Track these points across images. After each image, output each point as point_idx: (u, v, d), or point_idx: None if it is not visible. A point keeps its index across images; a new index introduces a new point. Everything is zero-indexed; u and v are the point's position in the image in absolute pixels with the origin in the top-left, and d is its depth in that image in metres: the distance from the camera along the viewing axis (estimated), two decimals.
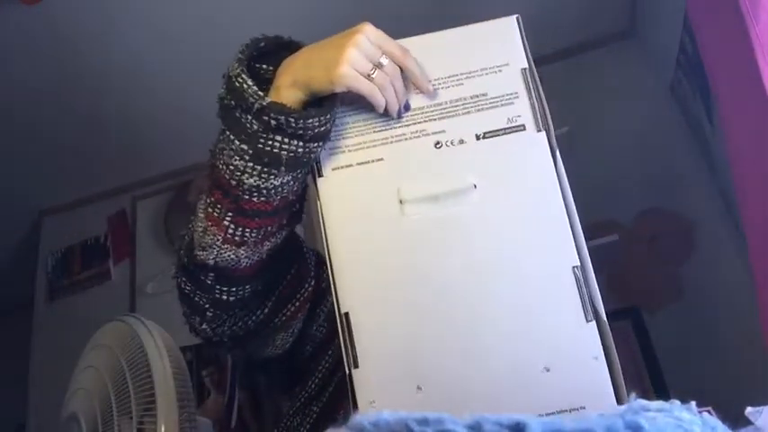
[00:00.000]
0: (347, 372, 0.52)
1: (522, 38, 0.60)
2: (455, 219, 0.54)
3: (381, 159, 0.57)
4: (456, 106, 0.57)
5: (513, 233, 0.53)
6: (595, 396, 0.49)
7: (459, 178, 0.54)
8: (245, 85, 0.57)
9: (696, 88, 1.72)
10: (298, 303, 0.71)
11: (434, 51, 0.60)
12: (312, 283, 0.73)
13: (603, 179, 1.97)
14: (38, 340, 2.25)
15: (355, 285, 0.54)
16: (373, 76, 0.57)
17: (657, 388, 1.78)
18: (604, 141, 2.00)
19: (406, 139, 0.57)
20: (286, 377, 0.79)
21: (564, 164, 2.00)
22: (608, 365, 0.50)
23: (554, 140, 0.56)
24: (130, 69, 1.85)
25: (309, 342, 0.76)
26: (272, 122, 0.55)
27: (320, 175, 0.58)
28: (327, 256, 0.55)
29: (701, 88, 1.65)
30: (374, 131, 0.58)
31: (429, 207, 0.54)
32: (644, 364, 1.84)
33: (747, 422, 0.49)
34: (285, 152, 0.56)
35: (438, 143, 0.56)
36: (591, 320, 0.51)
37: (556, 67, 2.15)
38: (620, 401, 0.49)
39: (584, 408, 0.48)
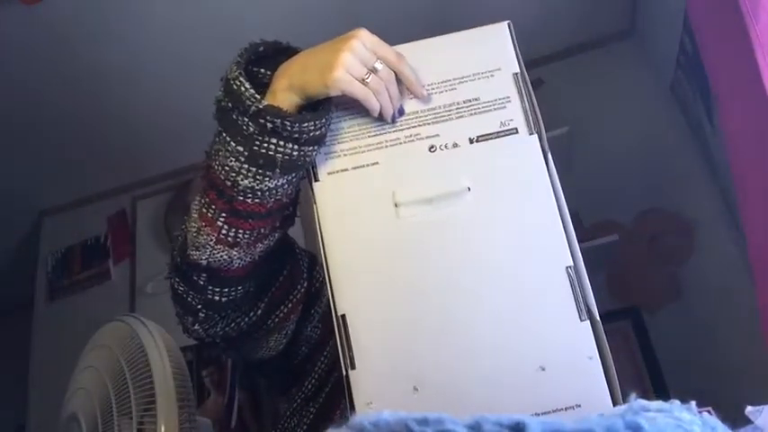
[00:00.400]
0: (344, 373, 0.52)
1: (514, 43, 0.61)
2: (450, 221, 0.54)
3: (376, 163, 0.57)
4: (449, 111, 0.58)
5: (507, 234, 0.54)
6: (590, 395, 0.49)
7: (453, 181, 0.55)
8: (242, 88, 0.57)
9: (696, 88, 1.72)
10: (290, 305, 0.72)
11: (427, 57, 0.60)
12: (305, 285, 0.73)
13: (603, 179, 1.97)
14: (38, 340, 2.25)
15: (351, 288, 0.54)
16: (368, 80, 0.57)
17: (657, 388, 1.78)
18: (604, 141, 2.00)
19: (400, 143, 0.58)
20: (282, 378, 0.80)
21: (564, 164, 2.00)
22: (602, 365, 0.50)
23: (546, 143, 0.57)
24: (130, 69, 1.85)
25: (305, 343, 0.76)
26: (268, 125, 0.56)
27: (316, 180, 0.58)
28: (324, 259, 0.56)
29: (701, 88, 1.65)
30: (369, 136, 0.58)
31: (424, 210, 0.55)
32: (644, 364, 1.84)
33: (747, 422, 0.49)
34: (280, 155, 0.56)
35: (432, 147, 0.57)
36: (585, 320, 0.51)
37: (556, 67, 2.15)
38: (614, 400, 0.49)
39: (579, 406, 0.49)
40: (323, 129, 0.58)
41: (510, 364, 0.51)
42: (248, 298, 0.68)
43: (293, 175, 0.59)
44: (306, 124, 0.56)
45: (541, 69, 2.15)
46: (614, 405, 0.49)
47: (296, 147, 0.56)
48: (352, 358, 0.52)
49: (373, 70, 0.58)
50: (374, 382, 0.51)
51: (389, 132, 0.58)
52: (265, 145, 0.56)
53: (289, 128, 0.56)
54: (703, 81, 1.58)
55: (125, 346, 0.78)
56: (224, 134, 0.59)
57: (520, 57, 0.60)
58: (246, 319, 0.69)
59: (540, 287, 0.52)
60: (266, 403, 1.87)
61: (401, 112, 0.59)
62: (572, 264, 0.53)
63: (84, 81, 1.89)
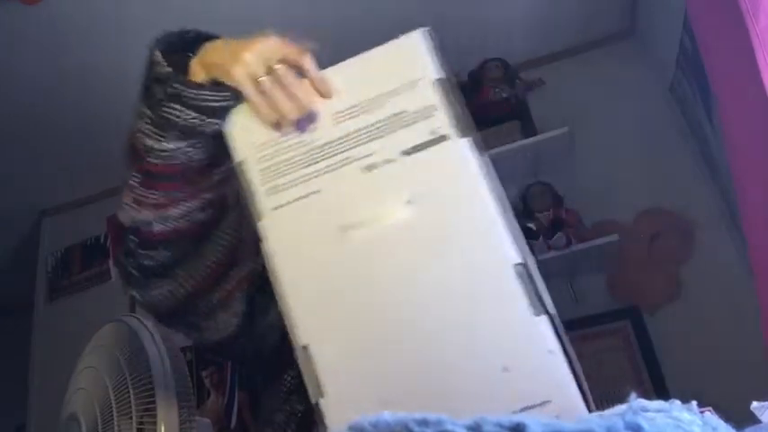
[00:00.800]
0: (314, 402, 0.53)
1: (433, 49, 0.60)
2: (395, 238, 0.55)
3: (317, 192, 0.58)
4: (378, 128, 0.58)
5: (452, 242, 0.54)
6: (558, 389, 0.49)
7: (392, 198, 0.55)
8: (155, 59, 0.64)
9: (696, 88, 1.72)
10: (234, 282, 0.73)
11: (349, 79, 0.60)
12: (249, 264, 0.74)
13: (603, 179, 1.98)
14: (38, 340, 2.25)
15: (310, 317, 0.55)
16: (262, 80, 0.59)
17: (657, 388, 1.78)
18: (604, 141, 2.00)
19: (336, 167, 0.58)
20: (262, 370, 0.79)
21: (564, 164, 2.01)
22: (565, 357, 0.50)
23: (480, 142, 0.56)
24: (130, 69, 1.84)
25: (270, 332, 0.76)
26: (171, 91, 0.61)
27: (261, 218, 0.58)
28: (280, 294, 0.56)
29: (701, 88, 1.66)
30: (305, 166, 0.58)
31: (368, 231, 0.55)
32: (644, 364, 1.84)
33: (748, 422, 0.49)
34: (179, 119, 0.61)
35: (367, 166, 0.57)
36: (540, 315, 0.51)
37: (556, 67, 2.16)
38: (582, 391, 0.49)
39: (549, 402, 0.49)
40: (224, 102, 0.61)
41: (473, 370, 0.51)
42: (180, 267, 0.70)
43: (195, 141, 0.63)
44: (205, 92, 0.60)
45: (541, 69, 2.15)
46: (582, 396, 0.49)
47: (194, 114, 0.61)
48: (320, 386, 0.53)
49: (270, 71, 0.59)
50: (345, 406, 0.52)
51: (324, 159, 0.58)
52: (167, 110, 0.61)
53: (188, 94, 0.60)
54: (703, 81, 1.58)
55: (125, 347, 0.79)
56: (141, 101, 0.65)
57: (442, 61, 0.59)
58: (182, 291, 0.70)
59: (490, 289, 0.52)
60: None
61: (311, 119, 0.59)
62: (520, 260, 0.52)
63: (84, 81, 1.89)
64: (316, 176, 0.58)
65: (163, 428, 0.70)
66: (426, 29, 0.60)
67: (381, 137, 0.57)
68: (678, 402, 0.37)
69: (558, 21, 2.03)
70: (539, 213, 1.93)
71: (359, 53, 0.60)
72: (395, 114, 0.58)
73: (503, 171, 2.18)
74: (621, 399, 0.38)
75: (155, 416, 0.71)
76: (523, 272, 0.52)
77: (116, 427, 0.73)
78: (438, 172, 0.56)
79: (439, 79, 0.58)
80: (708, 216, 1.86)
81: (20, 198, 2.33)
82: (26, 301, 2.36)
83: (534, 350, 0.50)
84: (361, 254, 0.55)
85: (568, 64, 2.16)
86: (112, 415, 0.74)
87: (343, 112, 0.59)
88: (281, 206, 0.58)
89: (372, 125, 0.58)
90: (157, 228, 0.67)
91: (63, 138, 2.09)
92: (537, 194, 1.97)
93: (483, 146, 0.57)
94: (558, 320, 0.51)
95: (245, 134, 0.61)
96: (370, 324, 0.54)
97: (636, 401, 0.36)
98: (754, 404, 0.48)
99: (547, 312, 0.51)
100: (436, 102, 0.57)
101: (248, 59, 0.59)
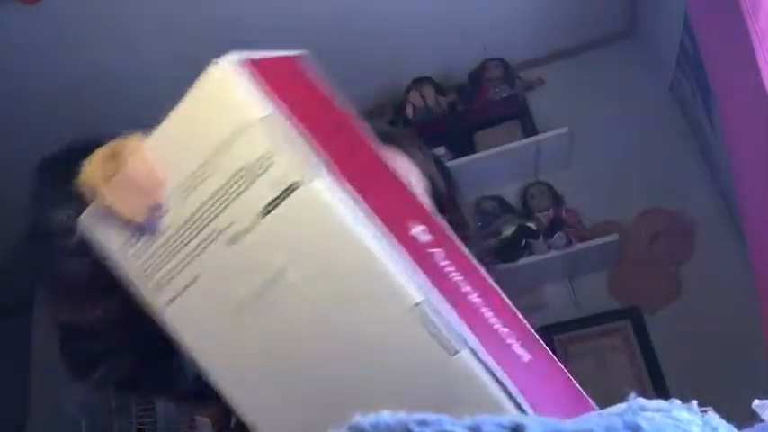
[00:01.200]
0: None
1: (252, 78, 0.50)
2: (282, 307, 0.50)
3: (198, 275, 0.52)
4: (226, 193, 0.50)
5: (344, 297, 0.49)
6: (502, 411, 0.45)
7: (266, 266, 0.50)
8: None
9: (696, 88, 1.72)
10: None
11: (177, 142, 0.53)
12: None
13: (603, 179, 1.98)
14: (38, 340, 2.24)
15: (247, 397, 0.53)
16: (109, 181, 0.54)
17: (657, 388, 1.78)
18: (604, 141, 2.00)
19: (204, 247, 0.52)
20: None
21: (564, 164, 1.99)
22: (498, 386, 0.46)
23: (337, 176, 0.48)
24: (131, 69, 1.85)
25: None
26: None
27: (163, 316, 0.53)
28: (209, 379, 0.53)
29: (701, 88, 1.66)
30: (176, 252, 0.53)
31: (257, 308, 0.51)
32: (644, 364, 1.84)
33: (748, 422, 0.48)
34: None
35: (231, 239, 0.51)
36: (455, 353, 0.46)
37: (556, 67, 2.16)
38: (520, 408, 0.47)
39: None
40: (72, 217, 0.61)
41: None
42: (113, 353, 0.70)
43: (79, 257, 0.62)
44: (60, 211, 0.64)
45: (541, 69, 2.15)
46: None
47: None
48: None
49: (118, 170, 0.54)
50: None
51: (189, 241, 0.52)
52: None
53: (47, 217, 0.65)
54: (703, 81, 1.58)
55: None
56: None
57: (265, 93, 0.49)
58: (117, 374, 0.71)
59: (398, 338, 0.47)
60: None
61: (155, 209, 0.52)
62: (417, 299, 0.46)
63: (85, 80, 1.89)
64: (190, 261, 0.52)
65: (163, 429, 0.70)
66: (235, 56, 0.50)
67: (232, 202, 0.50)
68: (678, 402, 0.37)
69: (558, 21, 2.03)
70: (539, 213, 1.93)
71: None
72: (235, 173, 0.50)
73: (503, 171, 2.18)
74: (621, 398, 0.38)
75: (155, 416, 0.71)
76: (424, 311, 0.46)
77: (116, 427, 0.73)
78: (302, 225, 0.49)
79: (264, 118, 0.49)
80: (708, 216, 1.86)
81: (20, 198, 2.33)
82: (26, 301, 2.36)
83: (463, 389, 0.46)
84: (265, 327, 0.51)
85: (568, 64, 2.16)
86: (112, 415, 0.74)
87: (184, 185, 0.51)
88: (174, 299, 0.53)
89: (218, 192, 0.50)
90: (88, 318, 0.68)
91: (63, 138, 2.08)
92: (537, 194, 1.97)
93: (338, 172, 0.49)
94: (476, 348, 0.46)
95: (107, 236, 0.55)
96: (304, 391, 0.51)
97: (635, 401, 0.36)
98: (756, 402, 0.48)
99: (465, 344, 0.46)
100: (270, 147, 0.48)
101: (93, 162, 0.56)
